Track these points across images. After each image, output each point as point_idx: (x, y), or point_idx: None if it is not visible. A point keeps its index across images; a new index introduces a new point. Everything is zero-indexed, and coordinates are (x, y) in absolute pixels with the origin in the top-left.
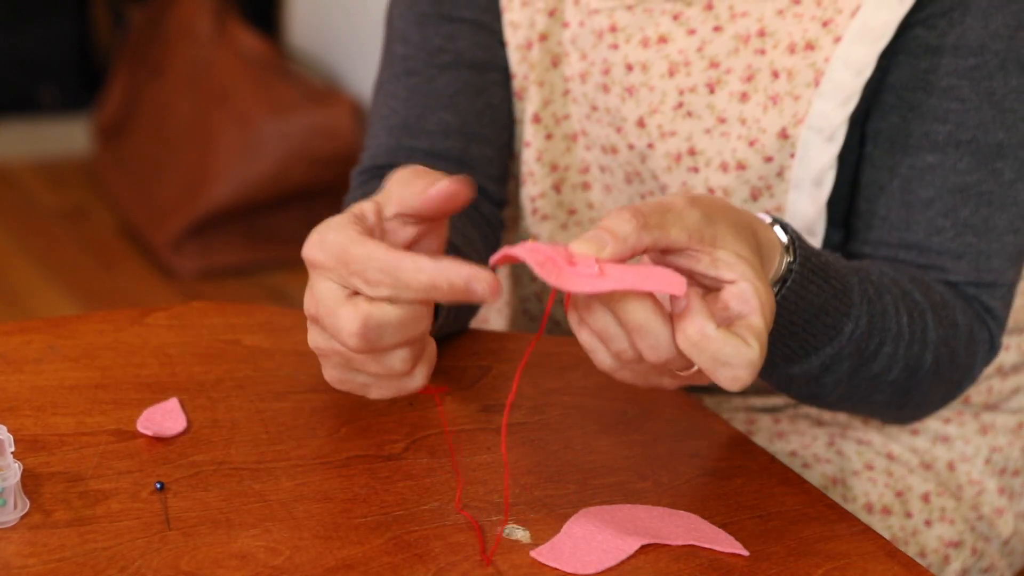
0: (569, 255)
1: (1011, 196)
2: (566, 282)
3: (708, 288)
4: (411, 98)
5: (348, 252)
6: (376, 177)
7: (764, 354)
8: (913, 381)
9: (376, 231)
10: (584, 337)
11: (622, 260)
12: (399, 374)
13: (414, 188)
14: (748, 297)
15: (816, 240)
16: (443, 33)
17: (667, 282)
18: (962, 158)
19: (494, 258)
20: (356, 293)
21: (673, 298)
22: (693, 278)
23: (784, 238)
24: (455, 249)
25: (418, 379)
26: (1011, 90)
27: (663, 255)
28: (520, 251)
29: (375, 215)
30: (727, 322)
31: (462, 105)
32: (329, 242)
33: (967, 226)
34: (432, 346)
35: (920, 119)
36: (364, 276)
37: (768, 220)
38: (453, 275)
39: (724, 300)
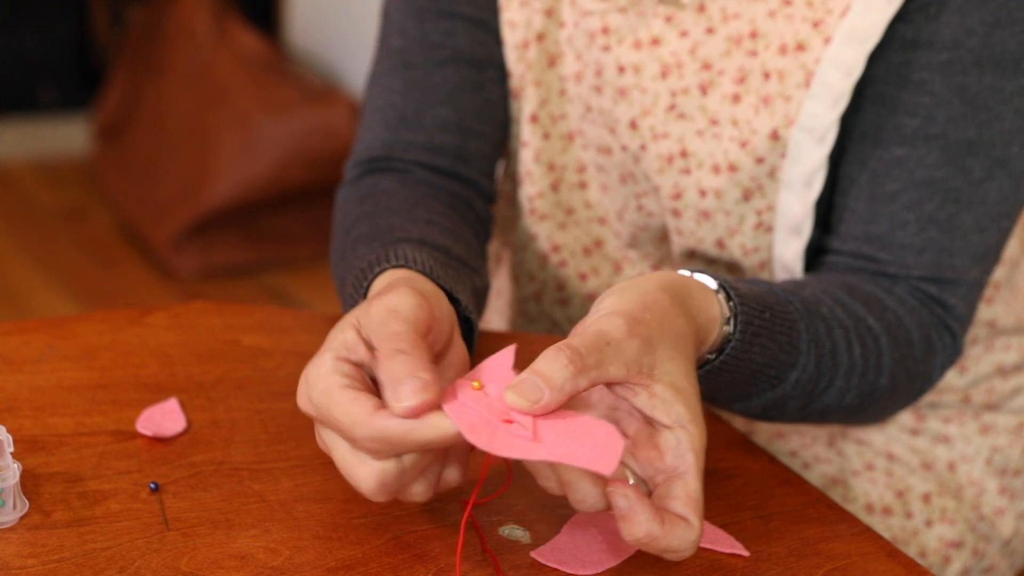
0: (504, 407)
1: (979, 194)
2: (498, 446)
3: (644, 420)
4: (408, 92)
5: (335, 418)
6: (372, 171)
7: (703, 521)
8: (868, 403)
9: (364, 371)
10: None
11: (559, 406)
12: (421, 497)
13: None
14: (684, 452)
15: (802, 240)
16: (442, 28)
17: (600, 457)
18: (930, 152)
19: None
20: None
21: (610, 489)
22: (629, 411)
23: (726, 309)
24: (459, 260)
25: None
26: (985, 87)
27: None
28: (452, 411)
29: (361, 349)
30: (662, 473)
31: (460, 101)
32: (316, 402)
33: (931, 221)
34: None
35: (891, 112)
36: (362, 445)
37: (714, 287)
38: (448, 427)
39: (660, 447)
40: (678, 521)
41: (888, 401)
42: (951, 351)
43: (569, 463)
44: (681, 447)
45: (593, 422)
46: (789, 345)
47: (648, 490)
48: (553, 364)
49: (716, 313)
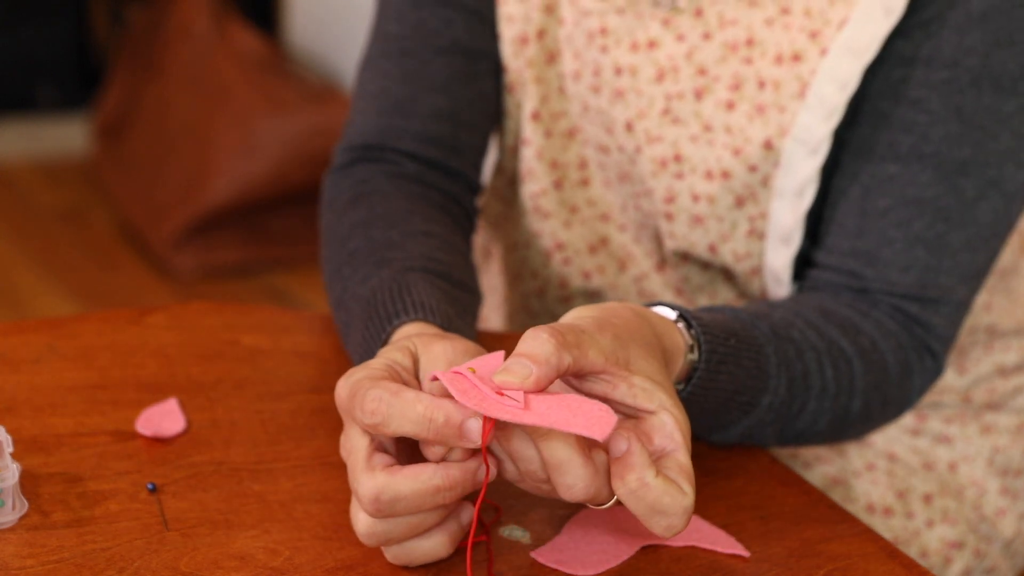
0: (495, 384)
1: (971, 214)
2: (489, 409)
3: (626, 416)
4: (403, 79)
5: (360, 383)
6: (364, 159)
7: (694, 493)
8: (842, 426)
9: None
10: (494, 448)
11: (548, 382)
12: (412, 534)
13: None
14: (671, 431)
15: (791, 249)
16: (439, 16)
17: (592, 424)
18: (924, 171)
19: (429, 376)
20: (378, 449)
21: (611, 440)
22: (610, 405)
23: (688, 337)
24: (460, 286)
25: (434, 547)
26: (982, 108)
27: (581, 381)
28: (444, 378)
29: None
30: (652, 455)
31: (455, 91)
32: (352, 381)
33: (919, 240)
34: (467, 513)
35: (886, 128)
36: (362, 405)
37: (673, 316)
38: (451, 411)
39: (647, 432)
40: (672, 483)
41: (862, 425)
42: (931, 372)
43: (561, 428)
44: (667, 427)
45: (584, 399)
46: (758, 370)
47: None
48: (535, 342)
49: (679, 342)
